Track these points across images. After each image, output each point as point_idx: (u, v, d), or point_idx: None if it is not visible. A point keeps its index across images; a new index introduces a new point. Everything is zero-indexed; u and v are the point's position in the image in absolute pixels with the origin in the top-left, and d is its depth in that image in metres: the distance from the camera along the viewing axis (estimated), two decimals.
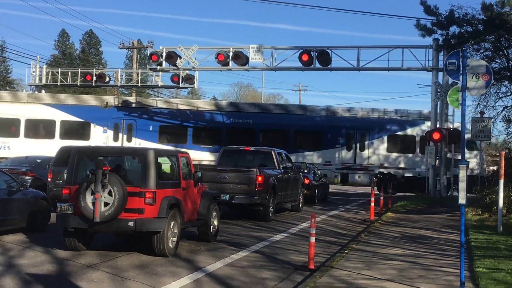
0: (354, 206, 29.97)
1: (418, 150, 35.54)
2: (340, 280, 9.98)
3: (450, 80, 28.43)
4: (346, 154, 36.04)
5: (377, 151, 34.79)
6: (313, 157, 35.40)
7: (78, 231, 11.91)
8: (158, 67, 36.07)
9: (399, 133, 36.47)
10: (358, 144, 35.89)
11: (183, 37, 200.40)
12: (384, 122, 36.67)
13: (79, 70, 43.90)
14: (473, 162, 34.25)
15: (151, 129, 36.79)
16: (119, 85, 44.33)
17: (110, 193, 11.22)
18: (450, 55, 10.89)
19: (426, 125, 34.89)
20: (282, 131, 37.22)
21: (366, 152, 35.37)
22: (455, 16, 26.87)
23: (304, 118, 37.21)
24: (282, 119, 37.28)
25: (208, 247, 13.49)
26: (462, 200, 9.08)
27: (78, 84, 43.50)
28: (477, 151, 35.27)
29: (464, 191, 9.08)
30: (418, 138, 35.66)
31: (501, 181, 16.92)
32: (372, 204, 22.55)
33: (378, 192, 27.54)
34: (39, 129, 37.75)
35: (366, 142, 35.86)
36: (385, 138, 36.02)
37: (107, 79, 42.27)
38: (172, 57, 34.67)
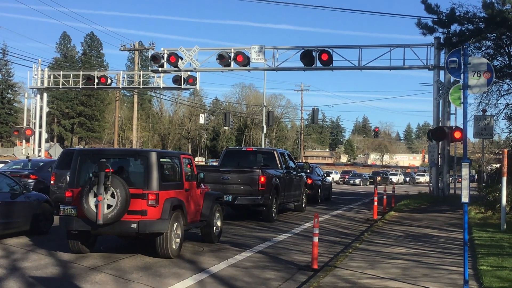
0: (357, 205, 30.00)
1: None
2: (343, 279, 9.97)
3: (452, 79, 28.42)
4: None
5: None
6: None
7: (81, 233, 11.91)
8: (160, 69, 36.19)
9: None
10: None
11: (184, 38, 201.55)
12: None
13: (81, 73, 43.96)
14: None
15: None
16: (120, 87, 44.39)
17: (112, 195, 11.22)
18: (451, 53, 10.85)
19: None
20: None
21: None
22: (456, 14, 26.84)
23: None
24: None
25: (211, 248, 13.50)
26: (465, 198, 9.05)
27: (80, 86, 43.54)
28: None
29: (467, 189, 9.06)
30: None
31: (504, 179, 16.91)
32: (375, 203, 22.55)
33: None
34: None
35: None
36: None
37: (109, 81, 42.32)
38: (173, 58, 34.76)
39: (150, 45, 54.44)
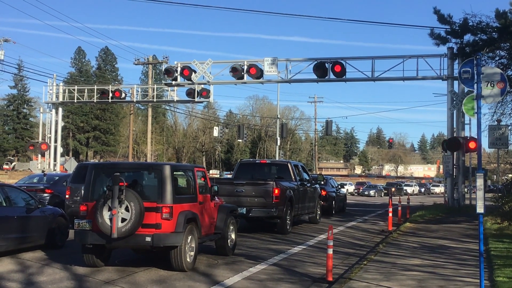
0: (372, 217, 29.86)
1: None
2: None
3: (466, 89, 28.27)
4: None
5: None
6: None
7: (96, 247, 11.95)
8: (173, 82, 36.36)
9: None
10: None
11: (197, 51, 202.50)
12: None
13: (95, 87, 44.24)
14: None
15: None
16: (135, 100, 44.61)
17: (127, 209, 11.25)
18: (464, 64, 10.83)
19: None
20: None
21: None
22: (469, 24, 26.74)
23: None
24: None
25: (226, 261, 13.48)
26: (480, 209, 9.00)
27: (95, 100, 43.82)
28: None
29: (482, 200, 9.00)
30: None
31: None
32: (390, 214, 22.44)
33: None
34: None
35: None
36: None
37: (123, 95, 42.58)
38: (187, 71, 34.92)
39: (163, 58, 54.75)
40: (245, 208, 18.83)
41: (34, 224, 14.41)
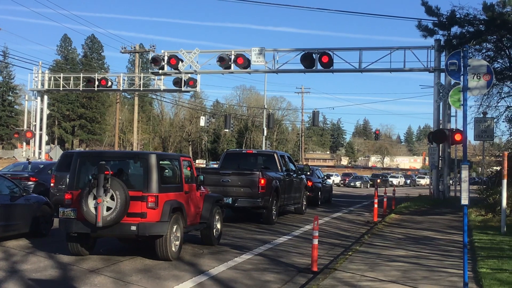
0: (358, 208, 29.96)
1: None
2: (343, 282, 9.95)
3: (452, 81, 28.37)
4: None
5: None
6: None
7: (80, 236, 11.89)
8: (160, 71, 36.22)
9: None
10: None
11: (185, 40, 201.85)
12: None
13: (81, 75, 43.93)
14: None
15: None
16: (121, 89, 44.35)
17: (112, 198, 11.20)
18: (451, 56, 10.81)
19: None
20: None
21: None
22: (457, 16, 26.84)
23: None
24: None
25: (211, 251, 13.48)
26: (464, 200, 9.04)
27: (81, 89, 43.51)
28: None
29: (467, 192, 9.04)
30: None
31: (504, 181, 16.88)
32: (376, 206, 22.52)
33: None
34: None
35: None
36: None
37: (109, 83, 42.30)
38: (174, 60, 34.79)
39: (150, 47, 54.47)
40: (231, 198, 18.84)
41: (18, 212, 14.31)
